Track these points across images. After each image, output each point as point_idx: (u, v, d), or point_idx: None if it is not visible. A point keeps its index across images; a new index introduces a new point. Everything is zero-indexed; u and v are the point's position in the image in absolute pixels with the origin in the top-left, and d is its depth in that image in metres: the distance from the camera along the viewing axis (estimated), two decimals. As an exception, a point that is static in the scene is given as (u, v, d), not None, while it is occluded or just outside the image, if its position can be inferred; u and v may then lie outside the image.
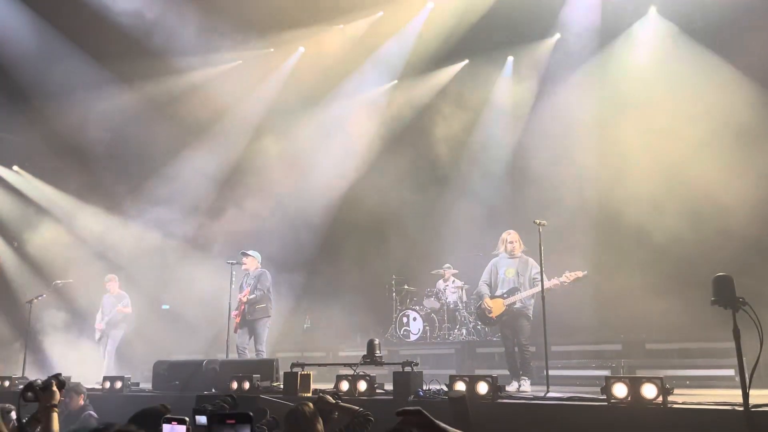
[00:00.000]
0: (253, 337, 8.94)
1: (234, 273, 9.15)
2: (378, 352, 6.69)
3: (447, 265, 11.07)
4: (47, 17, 11.67)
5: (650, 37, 10.13)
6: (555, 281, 7.09)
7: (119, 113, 12.58)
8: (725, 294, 4.17)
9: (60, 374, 3.28)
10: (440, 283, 11.14)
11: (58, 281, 11.26)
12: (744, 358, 4.15)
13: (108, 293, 10.82)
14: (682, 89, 9.14)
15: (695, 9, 9.60)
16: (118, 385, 8.00)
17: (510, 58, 11.85)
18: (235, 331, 9.02)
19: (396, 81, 12.65)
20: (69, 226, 13.44)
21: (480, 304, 7.69)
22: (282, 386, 6.87)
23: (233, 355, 8.94)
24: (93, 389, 7.95)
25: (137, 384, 8.47)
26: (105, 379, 8.20)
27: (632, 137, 9.50)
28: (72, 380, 7.97)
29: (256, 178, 12.52)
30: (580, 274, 7.08)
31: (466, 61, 12.18)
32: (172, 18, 11.10)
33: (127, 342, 11.04)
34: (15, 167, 14.33)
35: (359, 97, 12.60)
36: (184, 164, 12.87)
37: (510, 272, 7.49)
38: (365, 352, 6.74)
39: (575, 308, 8.92)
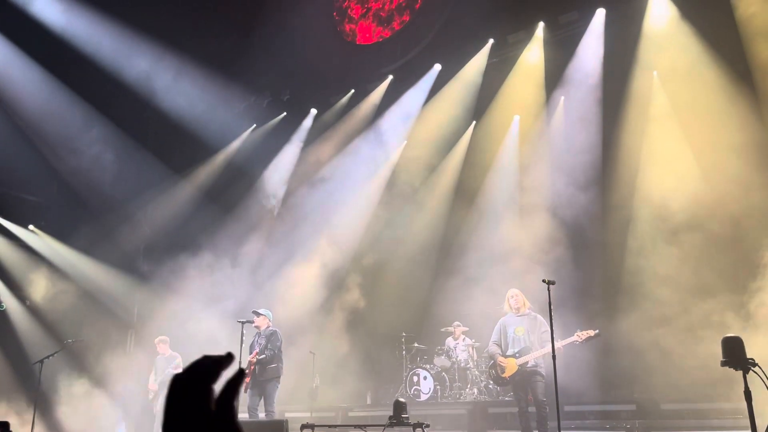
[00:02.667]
0: (263, 398, 8.87)
1: (245, 332, 9.16)
2: (405, 413, 6.60)
3: (456, 322, 11.03)
4: (55, 72, 12.29)
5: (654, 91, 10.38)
6: (567, 340, 7.07)
7: (134, 176, 12.92)
8: (735, 355, 4.19)
9: None
10: (450, 341, 11.07)
11: (70, 340, 11.29)
12: (757, 420, 4.13)
13: (160, 354, 10.80)
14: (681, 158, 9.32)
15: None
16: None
17: (516, 117, 12.12)
18: (245, 391, 8.95)
19: (406, 141, 12.95)
20: (82, 285, 13.58)
21: (492, 364, 7.64)
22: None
23: (243, 416, 8.85)
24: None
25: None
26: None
27: (641, 199, 9.64)
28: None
29: (266, 237, 12.71)
30: (592, 333, 7.04)
31: (474, 123, 12.48)
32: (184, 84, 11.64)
33: (135, 402, 10.99)
34: (31, 226, 14.60)
35: (369, 157, 12.87)
36: (196, 220, 13.13)
37: (520, 331, 7.47)
38: (389, 412, 6.66)
39: (587, 367, 8.84)
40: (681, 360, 7.99)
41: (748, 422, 4.71)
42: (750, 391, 4.10)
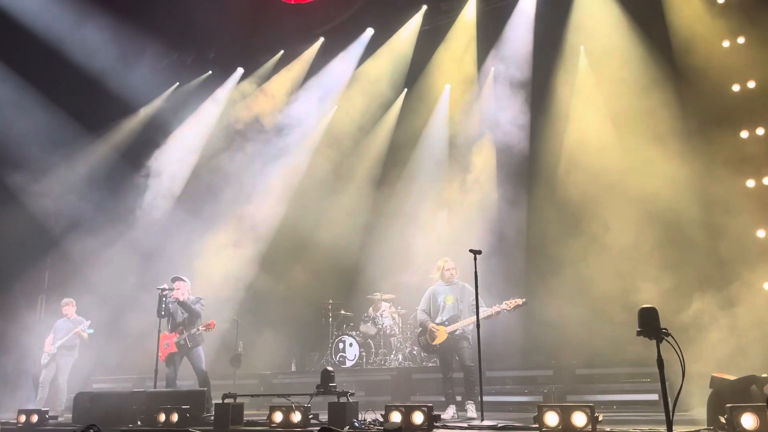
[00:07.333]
0: (193, 362, 8.57)
1: (165, 300, 8.79)
2: (333, 382, 6.52)
3: (376, 293, 11.00)
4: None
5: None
6: (496, 308, 7.20)
7: (44, 134, 12.07)
8: (650, 325, 4.34)
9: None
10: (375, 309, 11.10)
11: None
12: (667, 384, 4.32)
13: (64, 318, 10.10)
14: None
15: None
16: (35, 419, 7.52)
17: (447, 86, 12.06)
18: (162, 359, 8.60)
19: (336, 107, 12.68)
20: None
21: (422, 331, 7.68)
22: (213, 418, 6.63)
23: (161, 384, 8.57)
24: (7, 423, 7.46)
25: (56, 417, 7.99)
26: (20, 412, 7.69)
27: (567, 167, 9.86)
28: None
29: (194, 202, 12.27)
30: (519, 301, 7.20)
31: (405, 90, 12.36)
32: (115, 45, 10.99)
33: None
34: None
35: (297, 122, 12.54)
36: (112, 182, 12.54)
37: (449, 299, 7.56)
38: (314, 380, 6.56)
39: (509, 334, 9.08)
40: (598, 328, 8.32)
41: (657, 386, 4.95)
42: (663, 360, 4.27)
